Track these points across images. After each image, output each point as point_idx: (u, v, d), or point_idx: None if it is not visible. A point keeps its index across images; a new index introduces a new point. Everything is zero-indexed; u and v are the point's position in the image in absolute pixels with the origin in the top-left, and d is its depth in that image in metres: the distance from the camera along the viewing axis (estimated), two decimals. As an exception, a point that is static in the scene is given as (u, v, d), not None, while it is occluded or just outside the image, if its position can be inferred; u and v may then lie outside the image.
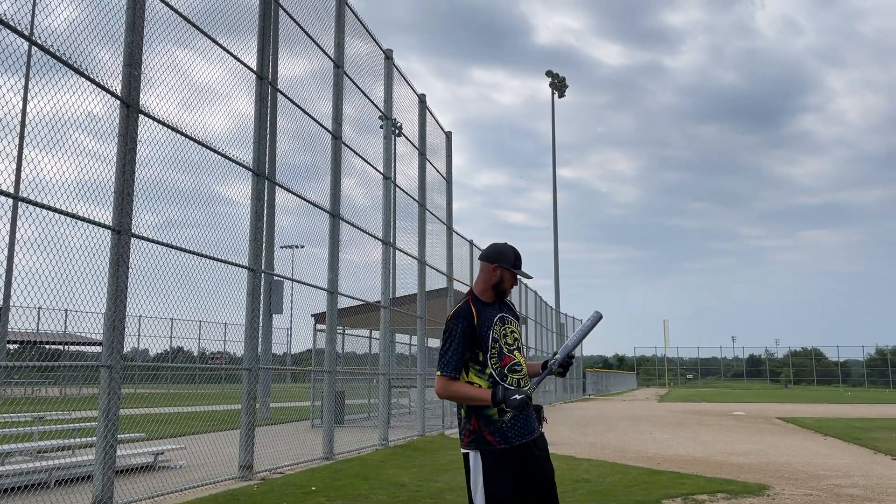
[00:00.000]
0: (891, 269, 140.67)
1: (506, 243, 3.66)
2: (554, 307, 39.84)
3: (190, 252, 7.55)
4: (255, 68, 9.01)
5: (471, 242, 20.82)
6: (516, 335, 3.59)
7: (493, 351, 3.44)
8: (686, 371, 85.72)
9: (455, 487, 8.05)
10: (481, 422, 3.38)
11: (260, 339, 9.17)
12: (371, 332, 19.34)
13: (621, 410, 28.64)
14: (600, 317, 3.61)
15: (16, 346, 17.90)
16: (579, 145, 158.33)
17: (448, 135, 18.52)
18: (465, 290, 20.24)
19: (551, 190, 34.86)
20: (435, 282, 16.97)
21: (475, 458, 3.38)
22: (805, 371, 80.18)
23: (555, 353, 3.53)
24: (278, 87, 9.85)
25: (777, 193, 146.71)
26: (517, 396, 3.27)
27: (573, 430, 17.49)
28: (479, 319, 3.46)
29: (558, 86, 36.97)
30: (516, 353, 3.52)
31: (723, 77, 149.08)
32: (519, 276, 3.68)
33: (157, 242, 6.98)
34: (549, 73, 37.41)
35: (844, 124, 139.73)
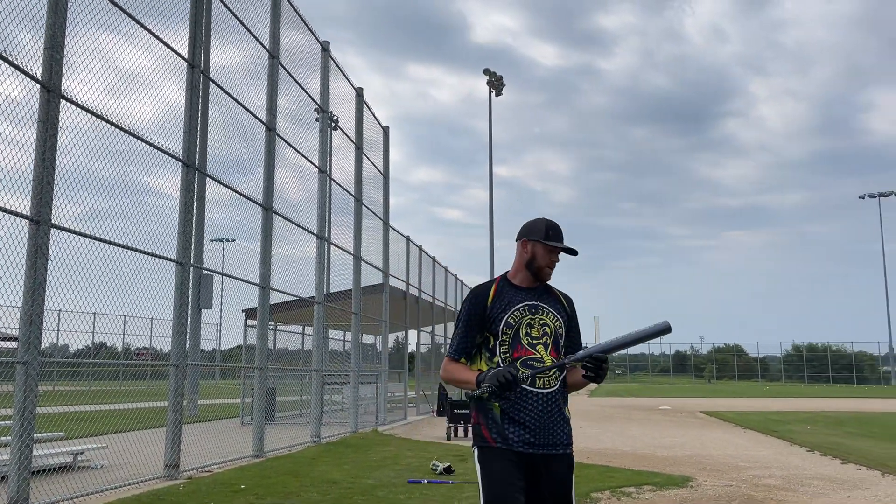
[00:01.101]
0: (807, 269, 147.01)
1: (540, 217, 3.18)
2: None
3: (114, 244, 7.29)
4: (186, 56, 8.75)
5: (407, 238, 20.78)
6: (551, 329, 3.07)
7: (505, 337, 3.01)
8: (616, 367, 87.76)
9: (388, 484, 8.02)
10: (480, 415, 3.03)
11: (188, 335, 8.93)
12: (304, 329, 19.10)
13: (553, 405, 29.07)
14: (667, 328, 2.82)
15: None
16: (515, 144, 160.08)
17: (385, 129, 18.42)
18: (401, 286, 20.20)
19: (487, 188, 35.07)
20: (371, 277, 16.87)
21: (476, 457, 3.03)
22: (727, 366, 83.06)
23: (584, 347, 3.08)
24: (210, 76, 9.60)
25: (702, 195, 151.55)
26: (495, 374, 2.81)
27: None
28: (497, 300, 3.07)
29: (496, 84, 37.20)
30: (541, 348, 3.01)
31: (653, 80, 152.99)
32: (560, 252, 3.15)
33: (79, 234, 6.70)
34: (486, 72, 37.59)
35: (765, 130, 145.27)
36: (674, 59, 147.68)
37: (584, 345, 3.20)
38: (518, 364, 2.98)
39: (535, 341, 3.03)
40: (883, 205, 73.33)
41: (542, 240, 3.08)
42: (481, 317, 3.08)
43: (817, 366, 76.37)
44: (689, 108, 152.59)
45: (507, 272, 3.22)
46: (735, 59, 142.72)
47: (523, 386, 2.95)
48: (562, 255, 3.16)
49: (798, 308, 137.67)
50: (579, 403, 31.11)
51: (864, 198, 76.87)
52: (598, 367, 2.87)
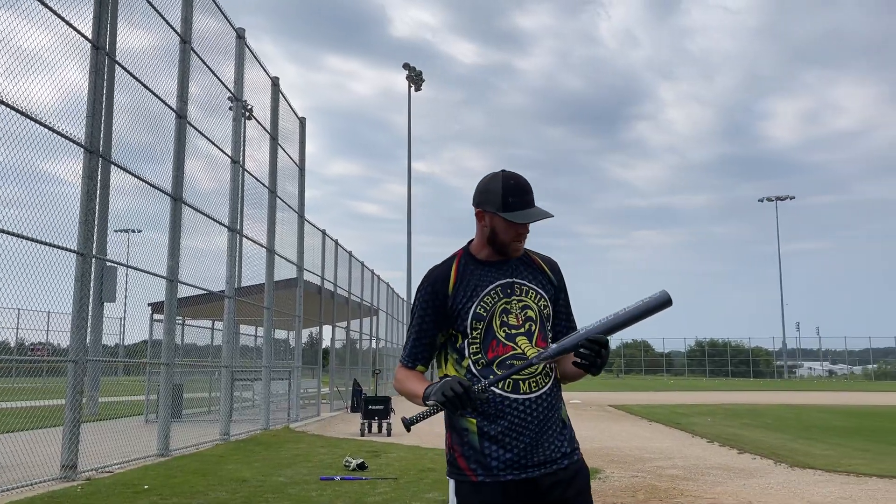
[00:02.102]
0: (710, 267, 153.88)
1: (497, 173, 2.39)
2: (406, 299, 40.14)
3: (8, 233, 6.87)
4: (90, 37, 8.33)
5: (323, 232, 20.50)
6: (534, 312, 2.39)
7: (475, 334, 2.34)
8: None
9: (299, 481, 7.89)
10: (455, 438, 2.36)
11: (89, 329, 8.52)
12: (214, 324, 18.58)
13: (466, 400, 29.31)
14: (667, 300, 2.24)
15: None
16: (434, 140, 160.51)
17: (302, 121, 18.10)
18: (316, 281, 19.91)
19: (405, 183, 34.98)
20: (284, 272, 16.55)
21: (451, 490, 2.39)
22: (635, 361, 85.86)
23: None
24: (117, 59, 9.17)
25: (613, 195, 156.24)
26: (441, 387, 2.16)
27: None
28: (460, 286, 2.38)
29: (415, 79, 37.20)
30: (522, 340, 2.35)
31: (568, 82, 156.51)
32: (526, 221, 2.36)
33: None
34: (406, 66, 37.53)
35: (673, 133, 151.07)
36: (588, 62, 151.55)
37: (572, 329, 2.55)
38: (495, 367, 2.31)
39: (514, 332, 2.35)
40: (780, 208, 77.35)
41: (500, 212, 2.33)
42: (441, 311, 2.38)
43: (718, 361, 79.97)
44: (601, 110, 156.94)
45: (469, 242, 2.49)
46: (646, 64, 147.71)
47: (502, 393, 2.29)
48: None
49: (702, 305, 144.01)
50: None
51: (762, 201, 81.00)
52: (596, 353, 2.20)
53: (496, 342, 2.34)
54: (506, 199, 2.34)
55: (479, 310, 2.36)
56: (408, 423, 2.23)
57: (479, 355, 2.35)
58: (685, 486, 7.96)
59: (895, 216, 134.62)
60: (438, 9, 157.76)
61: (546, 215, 2.37)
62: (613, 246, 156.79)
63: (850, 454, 10.89)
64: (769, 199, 79.62)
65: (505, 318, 2.37)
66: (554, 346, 2.29)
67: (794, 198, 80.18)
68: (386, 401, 14.06)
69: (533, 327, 2.39)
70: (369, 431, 13.76)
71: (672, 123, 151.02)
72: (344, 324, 24.52)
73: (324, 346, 24.05)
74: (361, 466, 8.72)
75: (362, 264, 26.37)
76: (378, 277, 29.98)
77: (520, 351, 2.33)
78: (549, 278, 2.50)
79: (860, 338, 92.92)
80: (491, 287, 2.39)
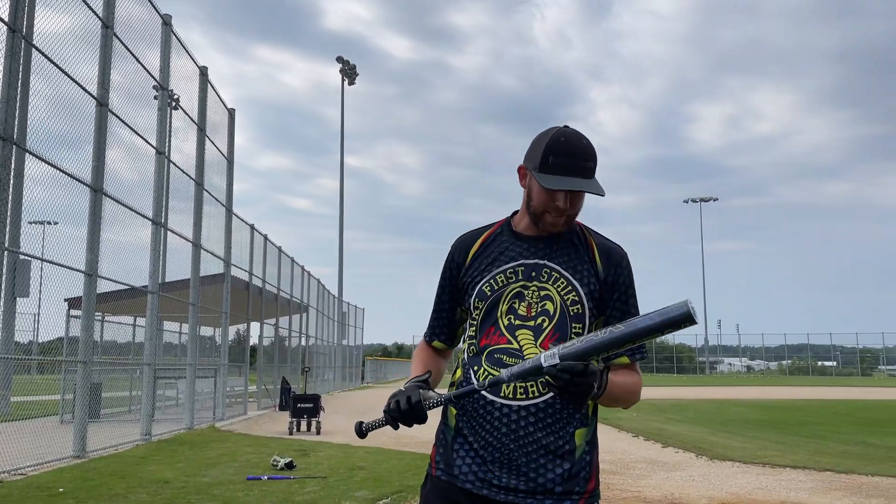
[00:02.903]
0: (637, 266, 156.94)
1: (554, 127, 1.97)
2: (337, 296, 39.75)
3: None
4: (6, 19, 7.90)
5: (252, 227, 20.08)
6: (554, 305, 1.96)
7: (476, 314, 2.02)
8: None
9: (225, 481, 7.69)
10: (439, 426, 2.11)
11: (0, 326, 8.09)
12: (136, 320, 17.96)
13: (397, 398, 29.23)
14: (688, 317, 1.70)
15: None
16: (367, 135, 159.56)
17: (231, 112, 17.67)
18: (244, 276, 19.50)
19: (337, 177, 34.72)
20: (211, 267, 16.13)
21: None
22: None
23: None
24: (34, 42, 8.73)
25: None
26: (394, 393, 1.91)
27: (350, 418, 17.54)
28: (480, 255, 2.06)
29: (349, 73, 36.84)
30: (525, 335, 1.95)
31: (502, 81, 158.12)
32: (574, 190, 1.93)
33: None
34: (339, 59, 37.13)
35: (604, 135, 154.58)
36: (522, 62, 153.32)
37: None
38: (484, 358, 1.98)
39: (518, 323, 1.96)
40: (704, 209, 80.00)
41: (536, 171, 1.93)
42: (454, 282, 2.11)
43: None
44: (534, 110, 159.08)
45: (515, 213, 2.13)
46: (578, 66, 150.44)
47: (484, 393, 1.95)
48: (588, 196, 1.98)
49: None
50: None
51: (687, 202, 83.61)
52: (567, 383, 1.72)
53: (493, 329, 1.98)
54: (546, 156, 1.91)
55: (486, 287, 2.00)
56: (360, 432, 1.94)
57: (474, 340, 2.03)
58: (612, 480, 8.12)
59: (810, 219, 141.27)
60: (373, 3, 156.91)
61: (590, 189, 1.90)
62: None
63: (765, 446, 11.34)
64: (693, 201, 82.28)
65: (514, 304, 1.97)
66: (530, 363, 1.80)
67: (717, 199, 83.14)
68: (315, 399, 13.88)
69: (546, 323, 1.95)
70: (298, 430, 13.56)
71: (602, 125, 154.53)
72: (272, 321, 24.09)
73: (251, 344, 23.56)
74: (289, 465, 8.57)
75: (292, 260, 25.96)
76: (308, 273, 29.59)
77: (516, 347, 1.94)
78: (595, 268, 2.01)
79: (776, 334, 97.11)
80: (512, 265, 2.00)
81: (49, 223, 10.28)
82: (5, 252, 7.91)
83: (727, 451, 10.63)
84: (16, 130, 8.08)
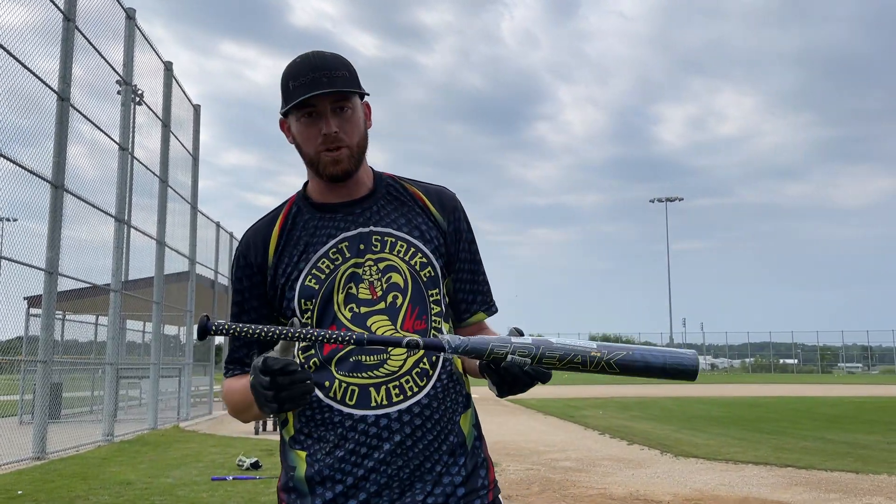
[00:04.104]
0: (603, 265, 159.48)
1: (297, 58, 1.62)
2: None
3: None
4: (-40, 8, 7.70)
5: (217, 224, 19.86)
6: (404, 276, 1.60)
7: (305, 319, 1.59)
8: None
9: (189, 482, 7.59)
10: (282, 456, 1.68)
11: (-44, 325, 7.89)
12: (98, 318, 17.64)
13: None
14: (692, 368, 1.38)
15: None
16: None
17: (196, 108, 17.45)
18: (209, 274, 19.25)
19: (303, 175, 34.32)
20: (175, 265, 15.92)
21: None
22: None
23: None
24: (-9, 33, 8.52)
25: (512, 193, 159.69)
26: (266, 366, 1.34)
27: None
28: (285, 247, 1.64)
29: (315, 71, 36.71)
30: (380, 321, 1.57)
31: (469, 79, 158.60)
32: (327, 109, 1.58)
33: None
34: (306, 57, 36.97)
35: (570, 134, 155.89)
36: (489, 61, 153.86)
37: (486, 297, 1.78)
38: (334, 370, 1.55)
39: (365, 311, 1.57)
40: (669, 209, 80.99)
41: (286, 104, 1.59)
42: (258, 289, 1.66)
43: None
44: (502, 109, 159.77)
45: (305, 184, 1.74)
46: (544, 65, 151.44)
47: (336, 405, 1.55)
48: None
49: (595, 302, 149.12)
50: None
51: (653, 202, 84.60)
52: (513, 380, 1.38)
53: (335, 328, 1.55)
54: (286, 86, 1.59)
55: (310, 281, 1.58)
56: (204, 329, 1.30)
57: (311, 352, 1.58)
58: (578, 477, 8.18)
59: (771, 219, 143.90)
60: None
61: (343, 87, 1.57)
62: (511, 243, 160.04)
63: (728, 443, 11.53)
64: (659, 200, 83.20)
65: (352, 290, 1.58)
66: (460, 339, 1.34)
67: (682, 199, 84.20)
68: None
69: (400, 300, 1.59)
70: (264, 430, 13.43)
71: (569, 124, 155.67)
72: (239, 319, 23.84)
73: (217, 343, 23.32)
74: (255, 466, 8.49)
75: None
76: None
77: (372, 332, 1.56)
78: (434, 219, 1.69)
79: (739, 333, 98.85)
80: (332, 244, 1.61)
81: (8, 220, 10.04)
82: (-39, 249, 7.71)
83: (691, 448, 10.78)
84: (-27, 124, 7.88)
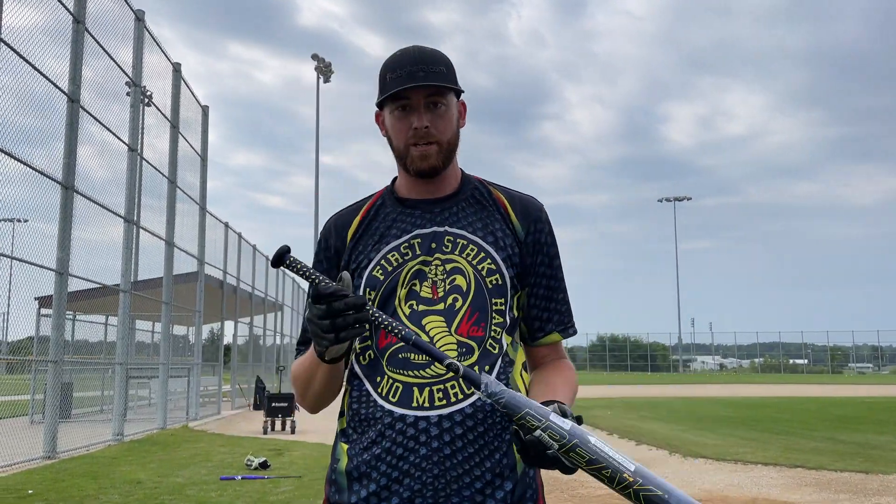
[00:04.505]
0: (611, 265, 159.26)
1: (398, 51, 1.63)
2: (310, 294, 39.49)
3: None
4: (-29, 11, 7.75)
5: (226, 225, 19.92)
6: (468, 280, 1.57)
7: (370, 304, 1.50)
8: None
9: (198, 482, 7.63)
10: (332, 448, 1.67)
11: (-33, 325, 7.95)
12: (108, 318, 17.73)
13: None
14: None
15: None
16: (341, 133, 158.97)
17: (205, 109, 17.51)
18: (218, 275, 19.31)
19: (312, 175, 34.49)
20: (184, 265, 15.98)
21: None
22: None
23: (552, 404, 1.32)
24: (2, 37, 8.57)
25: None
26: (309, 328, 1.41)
27: (325, 417, 17.39)
28: (362, 235, 1.66)
29: (324, 70, 36.59)
30: (434, 321, 1.55)
31: (476, 79, 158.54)
32: (424, 103, 1.58)
33: None
34: (314, 57, 36.89)
35: (577, 134, 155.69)
36: (496, 60, 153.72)
37: (564, 317, 1.69)
38: (385, 365, 1.55)
39: (423, 309, 1.56)
40: (677, 209, 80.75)
41: (381, 95, 1.59)
42: (333, 272, 1.67)
43: (618, 355, 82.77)
44: (509, 109, 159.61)
45: (395, 179, 1.75)
46: (551, 65, 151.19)
47: (380, 401, 1.54)
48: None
49: (603, 302, 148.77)
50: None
51: (661, 201, 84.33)
52: (536, 456, 1.26)
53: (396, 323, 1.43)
54: (384, 78, 1.58)
55: (377, 272, 1.59)
56: (279, 258, 1.38)
57: (368, 343, 1.58)
58: (586, 478, 8.15)
59: (781, 218, 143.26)
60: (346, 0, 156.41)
61: (438, 81, 1.55)
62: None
63: (737, 443, 11.49)
64: (668, 200, 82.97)
65: (415, 286, 1.57)
66: (501, 387, 1.27)
67: (690, 199, 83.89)
68: (290, 398, 13.80)
69: (459, 303, 1.55)
70: (272, 429, 13.48)
71: (576, 124, 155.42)
72: (247, 319, 23.92)
73: (225, 343, 23.39)
74: (264, 465, 8.52)
75: (267, 258, 25.80)
76: (283, 272, 29.41)
77: (426, 339, 1.53)
78: (512, 227, 1.64)
79: (748, 333, 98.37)
80: (404, 239, 1.61)
81: (19, 221, 10.11)
82: (-27, 250, 7.77)
83: (700, 448, 10.75)
84: (-16, 126, 7.93)
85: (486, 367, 1.53)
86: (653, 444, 11.38)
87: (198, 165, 17.14)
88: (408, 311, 1.56)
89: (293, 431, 13.18)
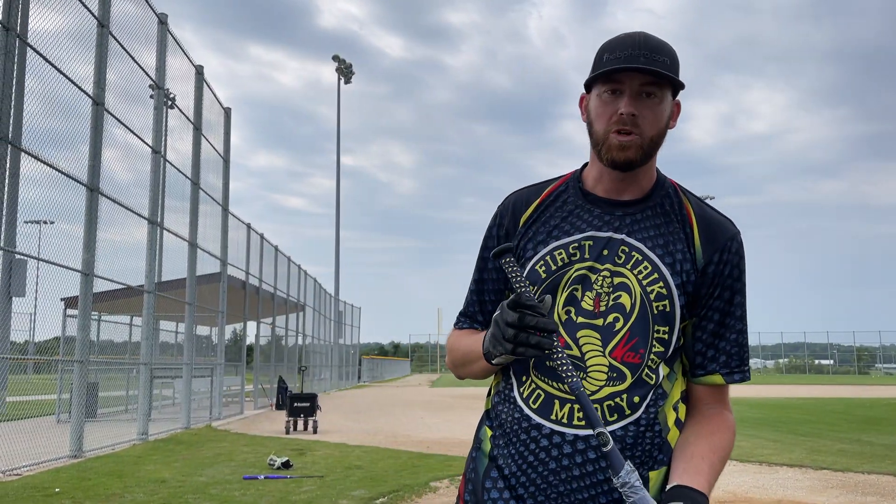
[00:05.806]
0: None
1: (621, 34, 1.52)
2: (333, 295, 39.74)
3: None
4: (0, 17, 7.88)
5: (248, 226, 20.06)
6: (633, 298, 1.46)
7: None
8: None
9: (221, 481, 7.69)
10: (470, 453, 1.64)
11: (-5, 325, 8.08)
12: (132, 319, 17.94)
13: (395, 396, 29.30)
14: None
15: None
16: (361, 134, 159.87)
17: (227, 111, 17.65)
18: (240, 275, 19.46)
19: (332, 176, 34.62)
20: (207, 266, 16.11)
21: None
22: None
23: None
24: (28, 41, 8.71)
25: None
26: (492, 329, 1.43)
27: (347, 417, 17.54)
28: (537, 219, 1.58)
29: (345, 72, 36.78)
30: (589, 336, 1.46)
31: (495, 79, 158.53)
32: (638, 89, 1.46)
33: None
34: (335, 58, 37.11)
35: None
36: (515, 60, 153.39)
37: (732, 360, 1.53)
38: (531, 367, 1.50)
39: (581, 321, 1.47)
40: (698, 208, 79.96)
41: (594, 72, 1.49)
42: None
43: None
44: (528, 109, 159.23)
45: (585, 165, 1.64)
46: (572, 64, 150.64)
47: (524, 407, 1.50)
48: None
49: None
50: (421, 394, 31.54)
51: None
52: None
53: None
54: (601, 56, 1.49)
55: (540, 267, 1.50)
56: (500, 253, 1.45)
57: None
58: None
59: (805, 217, 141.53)
60: (366, 1, 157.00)
61: (659, 68, 1.43)
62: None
63: (762, 444, 11.37)
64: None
65: (576, 293, 1.47)
66: (639, 484, 1.30)
67: (713, 198, 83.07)
68: (312, 398, 13.87)
69: (620, 324, 1.45)
70: (294, 429, 13.55)
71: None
72: (269, 320, 24.08)
73: (248, 343, 23.55)
74: (286, 465, 8.56)
75: (289, 259, 25.95)
76: (305, 273, 29.58)
77: (576, 353, 1.45)
78: (693, 251, 1.50)
79: (773, 333, 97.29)
80: (577, 237, 1.51)
81: (45, 222, 10.26)
82: (1, 251, 7.90)
83: (724, 449, 10.65)
84: (11, 129, 8.06)
85: (636, 399, 1.44)
86: (676, 445, 11.29)
87: (220, 167, 17.27)
88: (564, 317, 1.48)
89: (315, 431, 13.25)
